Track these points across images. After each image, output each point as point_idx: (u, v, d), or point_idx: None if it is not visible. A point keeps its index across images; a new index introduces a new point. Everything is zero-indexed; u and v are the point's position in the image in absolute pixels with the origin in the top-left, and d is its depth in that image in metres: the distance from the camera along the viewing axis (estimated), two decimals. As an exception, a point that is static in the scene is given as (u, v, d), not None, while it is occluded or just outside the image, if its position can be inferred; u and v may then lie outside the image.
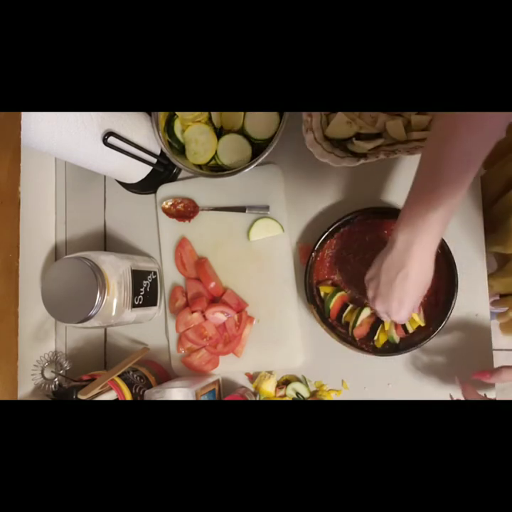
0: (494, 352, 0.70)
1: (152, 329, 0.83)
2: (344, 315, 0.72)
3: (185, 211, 0.82)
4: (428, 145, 0.55)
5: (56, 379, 0.78)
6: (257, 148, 0.76)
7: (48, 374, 0.80)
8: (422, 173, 0.55)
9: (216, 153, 0.77)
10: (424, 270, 0.58)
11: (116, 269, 0.71)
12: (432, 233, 0.54)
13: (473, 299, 0.71)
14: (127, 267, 0.73)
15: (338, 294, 0.72)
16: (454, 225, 0.71)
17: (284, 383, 0.77)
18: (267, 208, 0.78)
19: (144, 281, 0.77)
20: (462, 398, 0.62)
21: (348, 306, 0.73)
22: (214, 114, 0.77)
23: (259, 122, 0.74)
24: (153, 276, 0.80)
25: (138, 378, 0.74)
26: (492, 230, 0.74)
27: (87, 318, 0.67)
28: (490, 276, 0.73)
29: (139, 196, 0.85)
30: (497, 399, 0.67)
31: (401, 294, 0.58)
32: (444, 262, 0.69)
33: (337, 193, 0.76)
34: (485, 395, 0.64)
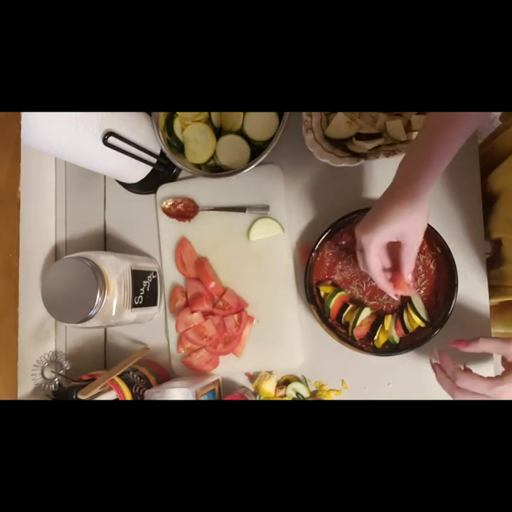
0: (494, 352, 0.70)
1: (152, 329, 0.83)
2: (344, 315, 0.72)
3: (185, 211, 0.82)
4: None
5: (56, 379, 0.78)
6: (256, 148, 0.76)
7: (48, 374, 0.80)
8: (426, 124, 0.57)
9: (215, 153, 0.77)
10: (408, 201, 0.56)
11: (116, 269, 0.71)
12: (425, 170, 0.55)
13: (473, 298, 0.71)
14: (127, 267, 0.73)
15: (338, 294, 0.72)
16: (453, 224, 0.71)
17: (284, 383, 0.77)
18: (267, 207, 0.78)
19: (144, 281, 0.77)
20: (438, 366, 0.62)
21: (348, 306, 0.73)
22: (214, 114, 0.77)
23: (258, 124, 0.74)
24: (153, 276, 0.80)
25: (138, 378, 0.74)
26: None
27: (87, 318, 0.67)
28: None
29: (139, 196, 0.85)
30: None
31: (375, 214, 0.58)
32: (444, 262, 0.69)
33: (337, 193, 0.76)
34: (464, 364, 0.64)
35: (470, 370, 0.62)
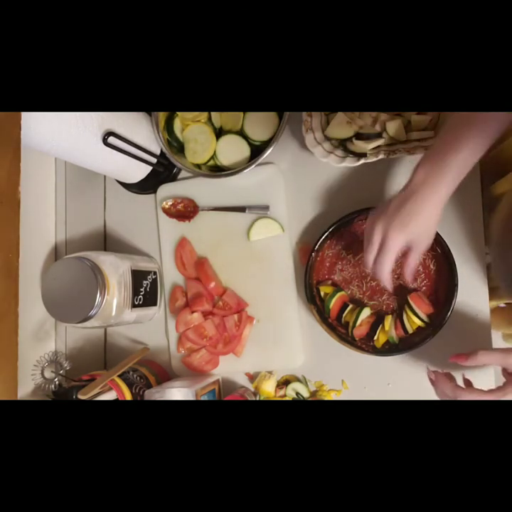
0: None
1: (152, 329, 0.83)
2: (344, 315, 0.72)
3: (185, 211, 0.82)
4: None
5: (56, 379, 0.78)
6: (256, 148, 0.76)
7: (48, 374, 0.80)
8: (454, 117, 0.56)
9: (215, 153, 0.77)
10: (434, 208, 0.57)
11: (116, 269, 0.71)
12: (448, 174, 0.55)
13: (473, 298, 0.71)
14: (127, 267, 0.73)
15: (338, 294, 0.72)
16: (454, 224, 0.71)
17: (284, 383, 0.77)
18: (267, 207, 0.78)
19: (144, 281, 0.77)
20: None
21: (348, 306, 0.73)
22: (214, 114, 0.77)
23: (258, 124, 0.74)
24: (153, 276, 0.80)
25: (138, 378, 0.74)
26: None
27: (87, 318, 0.67)
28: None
29: (139, 196, 0.85)
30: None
31: (409, 215, 0.56)
32: (444, 261, 0.69)
33: (337, 193, 0.76)
34: (463, 375, 0.64)
35: (470, 384, 0.62)
